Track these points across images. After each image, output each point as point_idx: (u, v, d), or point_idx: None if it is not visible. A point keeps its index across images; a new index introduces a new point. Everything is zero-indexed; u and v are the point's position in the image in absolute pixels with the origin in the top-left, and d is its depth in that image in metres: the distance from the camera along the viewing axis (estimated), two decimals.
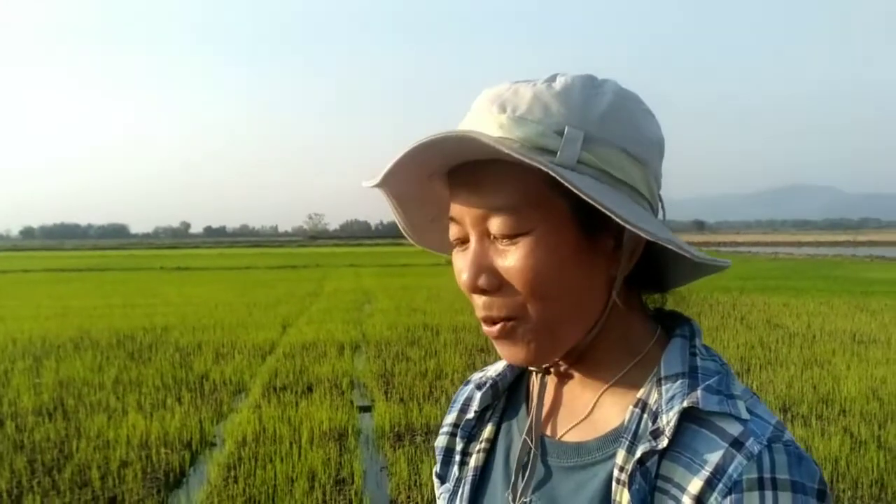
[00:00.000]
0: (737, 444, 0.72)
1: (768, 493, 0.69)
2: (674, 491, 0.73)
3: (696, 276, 0.89)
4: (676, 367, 0.80)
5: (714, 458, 0.72)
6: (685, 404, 0.75)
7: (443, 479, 1.01)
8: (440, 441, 1.03)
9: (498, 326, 0.81)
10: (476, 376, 1.05)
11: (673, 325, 0.88)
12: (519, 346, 0.82)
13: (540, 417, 0.90)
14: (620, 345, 0.86)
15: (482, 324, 0.84)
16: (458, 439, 1.00)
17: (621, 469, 0.77)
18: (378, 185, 0.85)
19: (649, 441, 0.76)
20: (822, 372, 8.99)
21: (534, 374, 0.94)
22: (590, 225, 0.79)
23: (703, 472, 0.72)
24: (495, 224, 0.78)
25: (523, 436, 0.90)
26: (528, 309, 0.80)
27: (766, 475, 0.70)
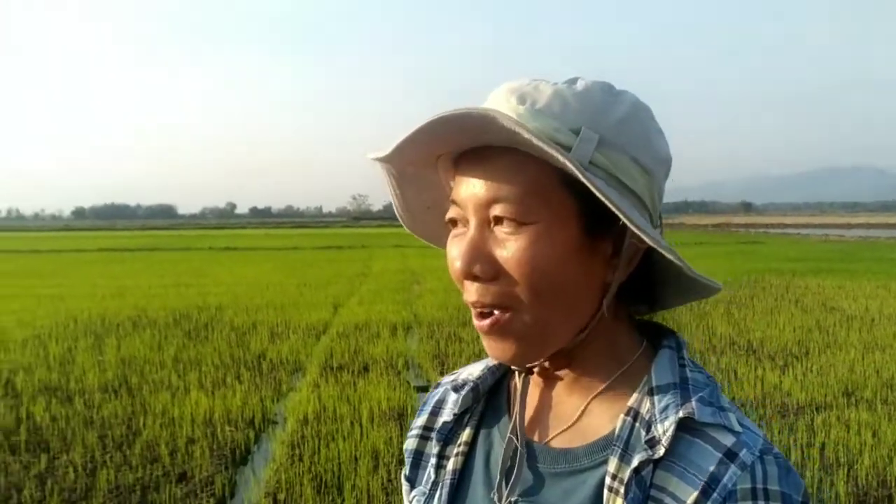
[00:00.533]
0: (730, 454, 0.73)
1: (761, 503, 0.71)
2: (668, 500, 0.74)
3: (685, 299, 0.89)
4: (668, 378, 0.81)
5: (708, 467, 0.73)
6: (681, 414, 0.76)
7: (412, 482, 0.98)
8: (409, 444, 1.01)
9: (490, 320, 0.80)
10: (447, 379, 1.04)
11: (658, 337, 0.89)
12: (508, 342, 0.81)
13: (523, 419, 0.88)
14: (607, 353, 0.86)
15: (474, 315, 0.82)
16: (432, 442, 0.96)
17: (613, 477, 0.77)
18: (384, 160, 0.85)
19: (645, 450, 0.76)
20: (884, 356, 8.83)
21: (516, 375, 0.92)
22: (592, 227, 0.79)
23: (698, 481, 0.73)
24: (501, 211, 0.77)
25: (506, 438, 0.88)
26: (521, 301, 0.78)
27: (759, 485, 0.71)
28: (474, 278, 0.79)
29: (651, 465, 0.75)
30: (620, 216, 0.73)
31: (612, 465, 0.77)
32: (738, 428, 0.76)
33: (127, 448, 5.74)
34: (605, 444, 0.81)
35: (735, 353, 9.14)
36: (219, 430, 6.21)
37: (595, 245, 0.80)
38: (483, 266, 0.78)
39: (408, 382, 7.91)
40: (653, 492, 0.75)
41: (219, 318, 12.49)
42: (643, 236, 0.74)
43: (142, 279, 20.69)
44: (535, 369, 0.88)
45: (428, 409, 1.02)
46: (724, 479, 0.72)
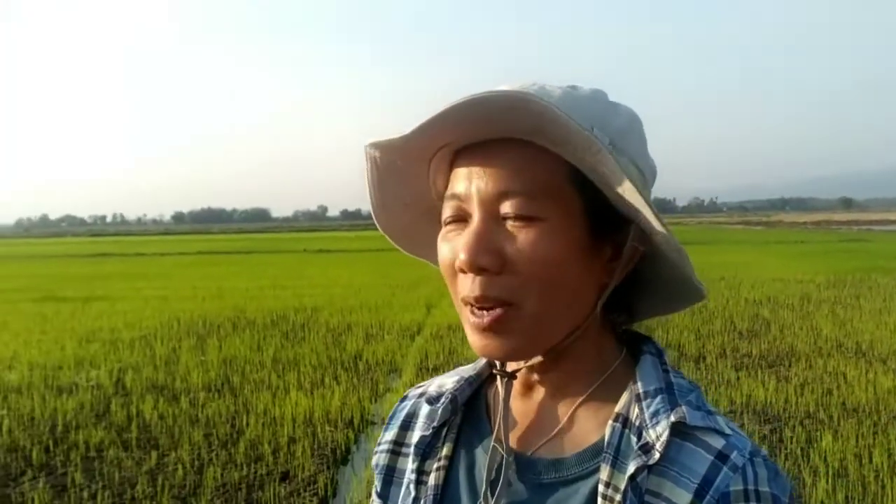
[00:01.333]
0: (722, 456, 0.74)
1: None
2: None
3: (668, 308, 0.92)
4: (654, 383, 0.81)
5: (701, 470, 0.74)
6: (673, 419, 0.76)
7: (385, 499, 0.96)
8: (380, 459, 0.98)
9: (492, 314, 0.77)
10: (415, 392, 1.02)
11: (635, 344, 0.89)
12: (504, 337, 0.78)
13: (507, 425, 0.85)
14: (592, 358, 0.86)
15: (470, 310, 0.79)
16: (407, 458, 0.94)
17: (607, 485, 0.76)
18: (397, 143, 0.82)
19: (639, 456, 0.75)
20: None
21: (498, 382, 0.89)
22: (597, 228, 0.80)
23: (692, 484, 0.73)
24: (511, 205, 0.77)
25: (491, 449, 0.85)
26: (524, 296, 0.77)
27: (751, 487, 0.72)
28: (479, 271, 0.77)
29: (646, 471, 0.75)
30: (647, 216, 0.76)
31: (604, 472, 0.77)
32: (727, 430, 0.77)
33: (231, 446, 5.88)
34: (594, 451, 0.80)
35: (843, 356, 8.75)
36: (319, 429, 6.30)
37: (597, 246, 0.81)
38: (491, 258, 0.76)
39: None
40: (647, 497, 0.75)
41: (315, 320, 12.72)
42: (661, 237, 0.77)
43: (239, 281, 21.28)
44: (518, 374, 0.87)
45: (397, 423, 0.99)
46: (717, 482, 0.72)
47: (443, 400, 0.92)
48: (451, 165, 0.84)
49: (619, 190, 0.76)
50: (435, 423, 0.91)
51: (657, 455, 0.74)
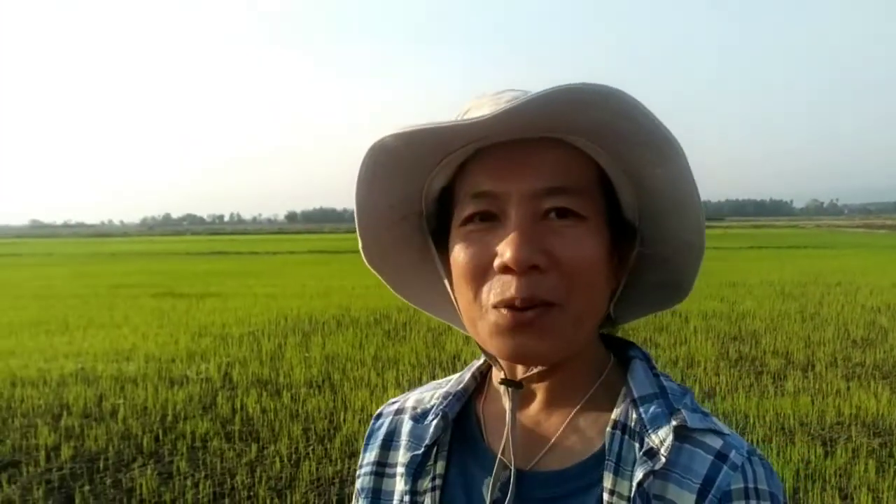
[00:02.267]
0: (721, 456, 0.75)
1: (752, 503, 0.72)
2: None
3: (644, 312, 0.94)
4: (648, 388, 0.81)
5: (702, 470, 0.74)
6: (674, 423, 0.76)
7: None
8: (364, 482, 0.94)
9: (532, 312, 0.74)
10: (390, 409, 0.99)
11: (620, 349, 0.89)
12: (545, 337, 0.75)
13: (515, 437, 0.83)
14: (586, 366, 0.85)
15: (504, 309, 0.75)
16: (395, 479, 0.91)
17: (611, 493, 0.76)
18: (488, 127, 0.73)
19: (645, 462, 0.75)
20: None
21: (504, 392, 0.87)
22: (616, 234, 0.82)
23: (694, 485, 0.73)
24: (559, 202, 0.76)
25: (497, 465, 0.83)
26: (568, 296, 0.75)
27: (751, 485, 0.73)
28: (528, 270, 0.74)
29: (652, 477, 0.74)
30: (697, 217, 0.80)
31: (607, 480, 0.77)
32: (725, 430, 0.78)
33: (328, 442, 6.03)
34: (596, 460, 0.80)
35: None
36: None
37: (613, 251, 0.82)
38: (542, 256, 0.74)
39: None
40: (653, 502, 0.74)
41: (416, 319, 12.86)
42: (697, 242, 0.82)
43: (346, 280, 21.73)
44: (525, 382, 0.85)
45: (377, 442, 0.96)
46: (719, 481, 0.73)
47: (430, 417, 0.90)
48: (463, 164, 0.82)
49: (682, 187, 0.77)
50: (427, 442, 0.88)
51: (663, 460, 0.74)
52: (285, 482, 5.20)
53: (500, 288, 0.75)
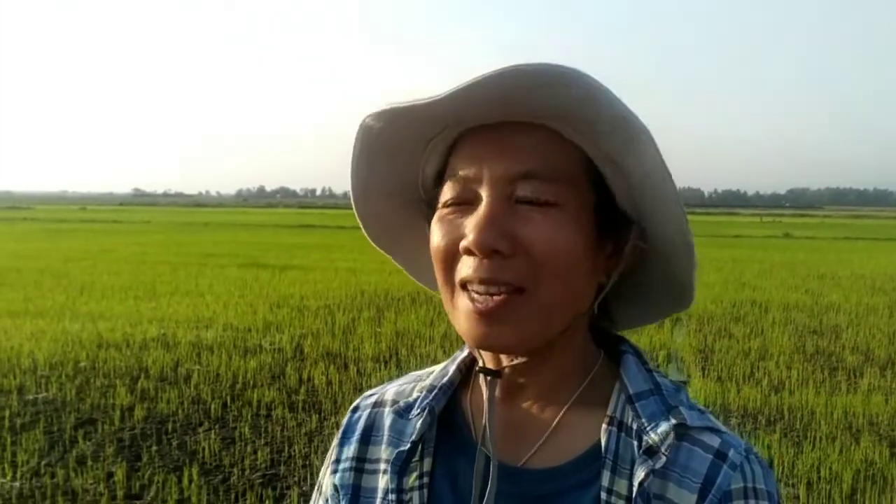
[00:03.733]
0: (720, 455, 0.74)
1: (752, 503, 0.72)
2: None
3: (648, 318, 0.92)
4: (643, 385, 0.80)
5: (702, 470, 0.74)
6: (674, 421, 0.75)
7: None
8: (343, 478, 0.89)
9: (497, 300, 0.73)
10: (366, 402, 0.95)
11: (609, 343, 0.88)
12: (510, 325, 0.74)
13: (493, 426, 0.80)
14: (575, 360, 0.84)
15: (469, 296, 0.75)
16: (377, 475, 0.87)
17: (609, 492, 0.75)
18: (431, 104, 0.73)
19: (646, 461, 0.74)
20: None
21: (482, 381, 0.84)
22: (603, 223, 0.78)
23: (695, 485, 0.73)
24: (529, 187, 0.74)
25: (477, 457, 0.80)
26: (535, 282, 0.74)
27: (750, 484, 0.73)
28: (490, 253, 0.73)
29: (652, 476, 0.73)
30: (672, 206, 0.76)
31: (605, 479, 0.76)
32: (722, 428, 0.78)
33: None
34: (591, 457, 0.78)
35: None
36: None
37: (601, 242, 0.79)
38: (505, 240, 0.73)
39: (666, 376, 7.65)
40: (653, 502, 0.74)
41: None
42: (682, 232, 0.78)
43: None
44: (503, 372, 0.83)
45: (355, 437, 0.92)
46: (719, 480, 0.73)
47: (415, 411, 0.88)
48: (450, 149, 0.82)
49: (650, 179, 0.75)
50: (413, 438, 0.85)
51: (664, 459, 0.73)
52: None
53: (464, 269, 0.76)
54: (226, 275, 16.42)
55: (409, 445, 0.85)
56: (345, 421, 0.95)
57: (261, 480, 4.88)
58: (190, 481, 4.77)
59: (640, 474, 0.73)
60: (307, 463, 5.15)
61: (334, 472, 0.91)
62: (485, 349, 0.81)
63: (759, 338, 9.44)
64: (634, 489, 0.73)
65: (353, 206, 0.89)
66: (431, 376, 0.93)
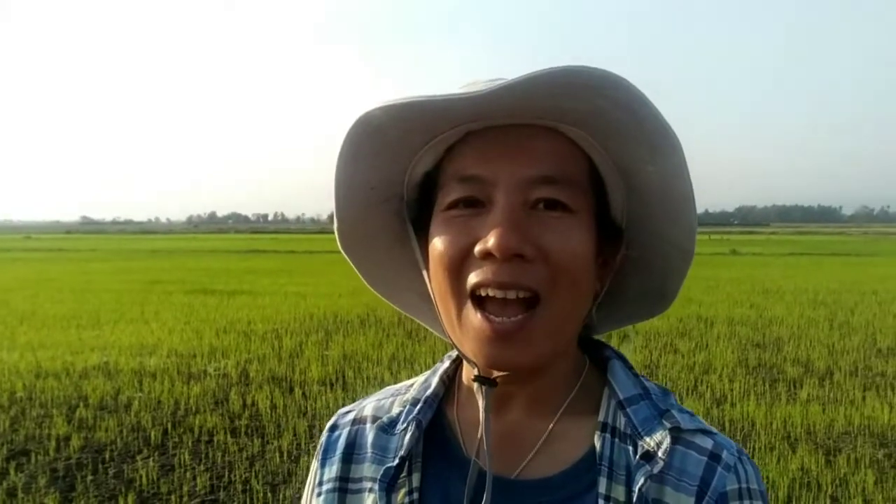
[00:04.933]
0: (714, 456, 0.75)
1: (746, 503, 0.73)
2: None
3: (624, 321, 0.91)
4: (632, 390, 0.80)
5: (697, 472, 0.74)
6: (669, 425, 0.75)
7: None
8: (327, 500, 0.86)
9: (515, 321, 0.71)
10: (344, 420, 0.92)
11: (592, 349, 0.87)
12: (527, 344, 0.72)
13: (489, 438, 0.77)
14: (568, 368, 0.83)
15: (485, 315, 0.72)
16: (362, 494, 0.84)
17: (607, 499, 0.74)
18: (475, 98, 0.69)
19: (643, 466, 0.73)
20: None
21: (477, 392, 0.81)
22: (603, 232, 0.79)
23: (692, 488, 0.73)
24: (547, 192, 0.72)
25: (471, 468, 0.79)
26: (551, 290, 0.72)
27: (744, 485, 0.74)
28: (512, 257, 0.70)
29: (649, 481, 0.73)
30: (689, 216, 0.77)
31: (601, 486, 0.74)
32: (713, 430, 0.78)
33: None
34: (585, 465, 0.77)
35: None
36: None
37: (598, 250, 0.78)
38: (528, 244, 0.71)
39: None
40: None
41: None
42: (689, 240, 0.80)
43: None
44: (499, 381, 0.79)
45: (336, 456, 0.88)
46: (715, 482, 0.73)
47: (401, 426, 0.85)
48: (451, 148, 0.79)
49: (675, 186, 0.75)
50: (402, 452, 0.81)
51: (661, 463, 0.73)
52: (282, 477, 5.27)
53: (478, 273, 0.72)
54: (172, 301, 16.14)
55: (396, 461, 0.81)
56: (323, 441, 0.91)
57: None
58: None
59: (639, 480, 0.72)
60: (247, 488, 5.07)
61: (318, 494, 0.87)
62: (498, 369, 0.76)
63: (704, 352, 9.56)
64: (634, 495, 0.72)
65: (334, 196, 0.83)
66: (413, 389, 0.90)
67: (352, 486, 0.85)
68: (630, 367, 0.83)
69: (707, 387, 7.75)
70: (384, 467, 0.81)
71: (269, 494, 4.95)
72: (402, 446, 0.82)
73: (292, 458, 5.68)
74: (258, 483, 5.12)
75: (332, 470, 0.87)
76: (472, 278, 0.72)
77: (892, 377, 8.25)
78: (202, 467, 5.46)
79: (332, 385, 7.98)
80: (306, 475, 3.70)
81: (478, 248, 0.71)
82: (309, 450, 5.82)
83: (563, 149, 0.74)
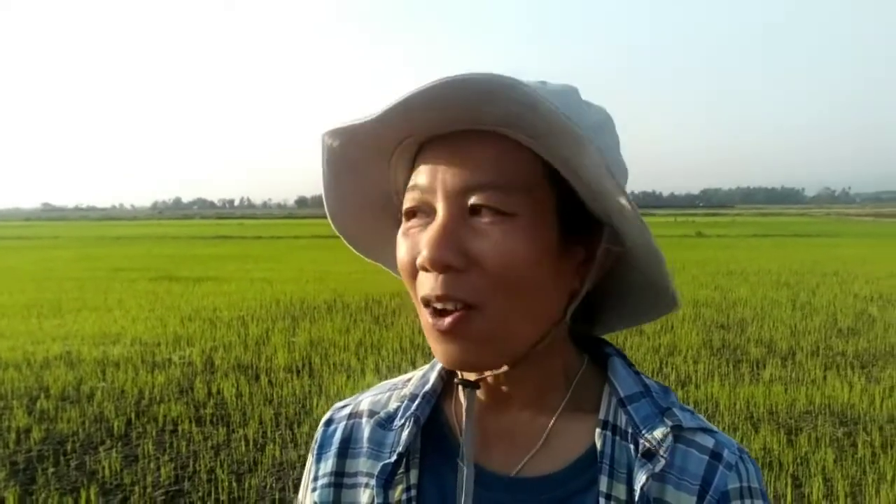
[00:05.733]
0: (716, 455, 0.75)
1: (747, 502, 0.74)
2: None
3: (634, 321, 0.88)
4: (633, 387, 0.79)
5: (699, 471, 0.74)
6: (670, 423, 0.75)
7: None
8: (322, 496, 0.86)
9: (452, 318, 0.71)
10: (340, 414, 0.92)
11: (590, 346, 0.87)
12: (468, 343, 0.72)
13: (471, 440, 0.78)
14: (558, 367, 0.82)
15: (428, 313, 0.73)
16: (358, 490, 0.85)
17: (608, 497, 0.74)
18: (384, 119, 0.72)
19: (645, 464, 0.73)
20: None
21: (460, 393, 0.83)
22: (569, 228, 0.75)
23: (693, 487, 0.73)
24: (481, 198, 0.71)
25: (459, 469, 0.78)
26: (489, 297, 0.71)
27: (745, 484, 0.74)
28: (443, 269, 0.71)
29: (651, 479, 0.73)
30: (622, 208, 0.71)
31: (602, 484, 0.75)
32: (714, 428, 0.78)
33: (296, 426, 6.06)
34: (586, 463, 0.77)
35: None
36: None
37: (568, 249, 0.76)
38: (456, 255, 0.71)
39: None
40: None
41: (407, 304, 12.81)
42: (635, 233, 0.73)
43: (345, 265, 21.72)
44: (483, 384, 0.81)
45: (331, 451, 0.89)
46: (716, 481, 0.73)
47: (399, 421, 0.85)
48: (414, 159, 0.79)
49: (598, 185, 0.71)
50: (400, 449, 0.82)
51: (662, 461, 0.72)
52: (248, 466, 5.23)
53: (422, 285, 0.74)
54: (136, 289, 15.95)
55: (394, 458, 0.81)
56: (318, 435, 0.92)
57: (163, 497, 4.74)
58: (87, 502, 4.60)
59: (640, 478, 0.72)
60: (212, 477, 5.03)
61: (314, 489, 0.87)
62: (452, 368, 0.77)
63: (669, 334, 9.65)
64: (636, 493, 0.72)
65: (332, 224, 0.87)
66: (411, 384, 0.90)
67: (347, 480, 0.86)
68: (631, 365, 0.82)
69: (672, 368, 7.85)
70: (381, 463, 0.82)
71: (235, 484, 4.92)
72: (399, 442, 0.83)
73: (258, 446, 5.64)
74: (223, 472, 5.08)
75: (328, 465, 0.88)
76: (420, 290, 0.74)
77: (851, 357, 8.41)
78: (166, 457, 5.40)
79: (298, 372, 7.94)
80: (272, 464, 3.73)
81: (417, 262, 0.73)
82: (275, 438, 5.78)
83: (504, 152, 0.72)
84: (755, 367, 7.93)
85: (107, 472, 5.12)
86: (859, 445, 5.44)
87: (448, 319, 0.72)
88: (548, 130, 0.69)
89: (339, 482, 0.86)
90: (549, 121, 0.68)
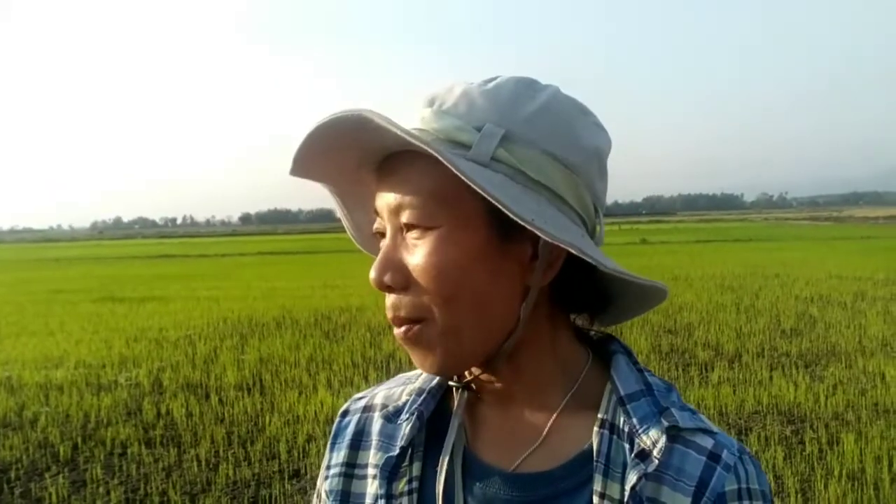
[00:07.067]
0: (714, 456, 0.74)
1: (746, 503, 0.73)
2: None
3: (636, 310, 0.87)
4: (634, 386, 0.79)
5: (695, 472, 0.73)
6: (666, 424, 0.74)
7: None
8: (333, 484, 0.90)
9: (404, 329, 0.76)
10: (356, 406, 0.95)
11: (598, 343, 0.86)
12: (426, 351, 0.76)
13: (462, 435, 0.82)
14: (553, 364, 0.82)
15: (392, 325, 0.78)
16: (366, 481, 0.87)
17: (602, 496, 0.74)
18: (299, 174, 0.79)
19: (638, 465, 0.73)
20: None
21: (455, 393, 0.86)
22: (505, 229, 0.74)
23: (689, 487, 0.72)
24: (407, 217, 0.74)
25: (455, 465, 0.81)
26: (433, 311, 0.74)
27: (744, 485, 0.73)
28: (387, 290, 0.76)
29: (644, 479, 0.73)
30: (509, 213, 0.68)
31: (597, 483, 0.75)
32: (714, 429, 0.77)
33: (249, 444, 5.97)
34: (583, 461, 0.78)
35: (886, 355, 8.45)
36: None
37: (509, 248, 0.76)
38: (394, 275, 0.75)
39: None
40: None
41: (357, 319, 12.80)
42: (541, 233, 0.69)
43: (293, 281, 21.59)
44: (473, 384, 0.84)
45: (345, 442, 0.92)
46: (713, 482, 0.72)
47: (405, 415, 0.87)
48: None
49: (479, 191, 0.69)
50: (402, 443, 0.84)
51: (655, 462, 0.73)
52: (201, 486, 5.14)
53: (386, 304, 0.78)
54: (78, 311, 15.58)
55: (397, 451, 0.84)
56: (334, 426, 0.95)
57: None
58: None
59: (631, 478, 0.72)
60: (165, 499, 4.93)
61: (325, 478, 0.91)
62: (427, 373, 0.81)
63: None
64: (626, 493, 0.72)
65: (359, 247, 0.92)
66: (420, 378, 0.91)
67: (357, 472, 0.89)
68: (635, 363, 0.82)
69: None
70: (386, 456, 0.84)
71: None
72: (403, 436, 0.85)
73: (211, 466, 5.54)
74: (176, 493, 4.98)
75: (340, 455, 0.91)
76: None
77: (796, 357, 8.61)
78: (116, 481, 5.28)
79: (249, 390, 7.83)
80: (226, 483, 3.67)
81: None
82: (228, 457, 5.68)
83: (422, 167, 0.73)
84: (703, 370, 8.07)
85: (54, 497, 4.97)
86: (807, 443, 5.56)
87: (401, 330, 0.76)
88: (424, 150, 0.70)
89: (350, 473, 0.89)
90: (403, 140, 0.69)
